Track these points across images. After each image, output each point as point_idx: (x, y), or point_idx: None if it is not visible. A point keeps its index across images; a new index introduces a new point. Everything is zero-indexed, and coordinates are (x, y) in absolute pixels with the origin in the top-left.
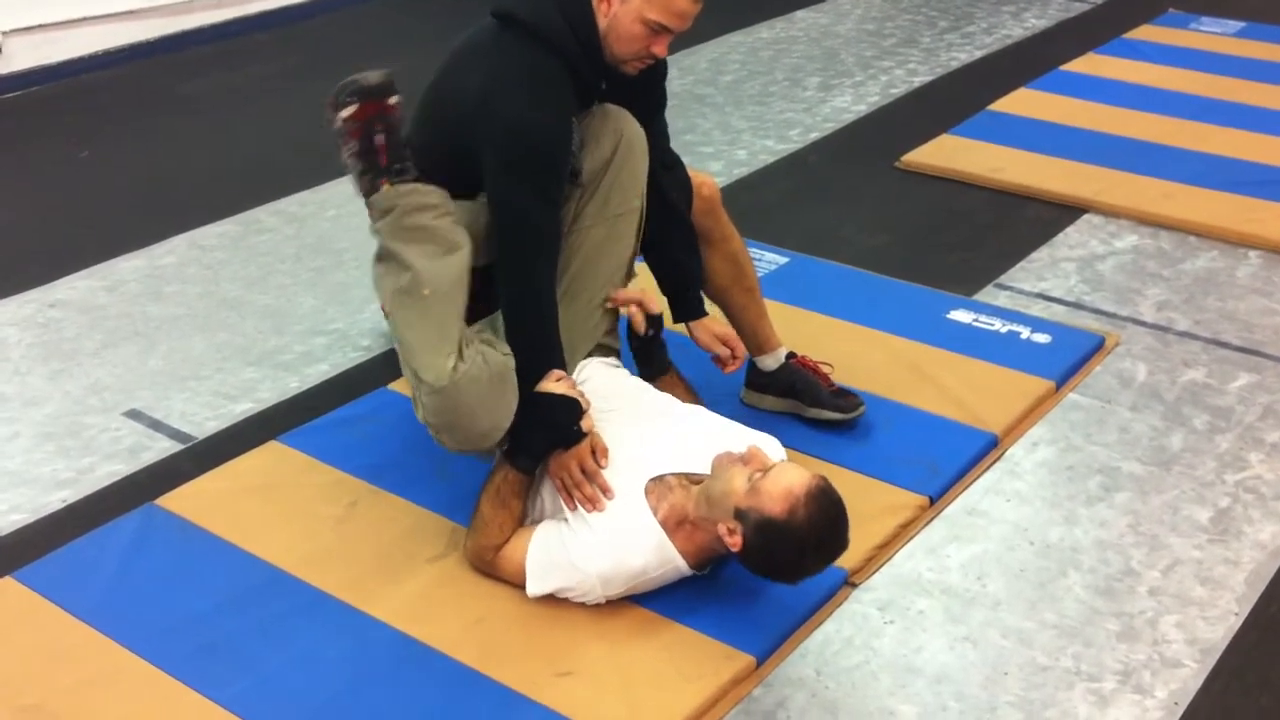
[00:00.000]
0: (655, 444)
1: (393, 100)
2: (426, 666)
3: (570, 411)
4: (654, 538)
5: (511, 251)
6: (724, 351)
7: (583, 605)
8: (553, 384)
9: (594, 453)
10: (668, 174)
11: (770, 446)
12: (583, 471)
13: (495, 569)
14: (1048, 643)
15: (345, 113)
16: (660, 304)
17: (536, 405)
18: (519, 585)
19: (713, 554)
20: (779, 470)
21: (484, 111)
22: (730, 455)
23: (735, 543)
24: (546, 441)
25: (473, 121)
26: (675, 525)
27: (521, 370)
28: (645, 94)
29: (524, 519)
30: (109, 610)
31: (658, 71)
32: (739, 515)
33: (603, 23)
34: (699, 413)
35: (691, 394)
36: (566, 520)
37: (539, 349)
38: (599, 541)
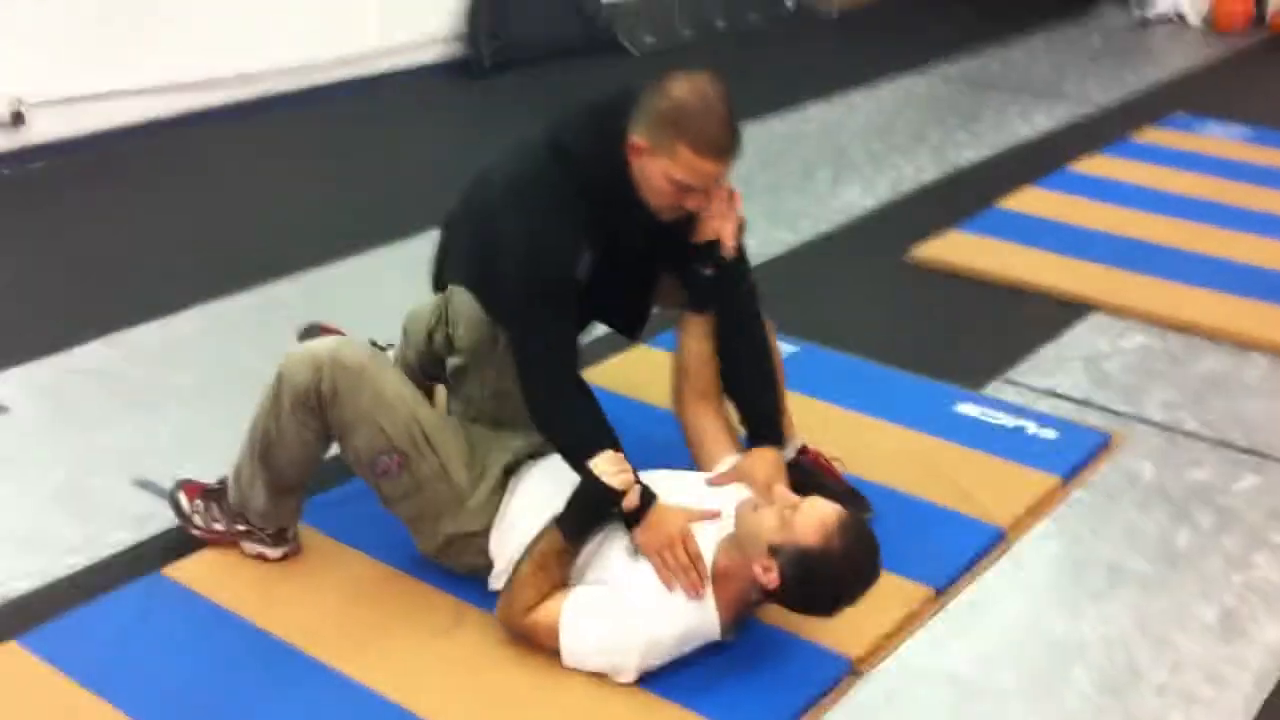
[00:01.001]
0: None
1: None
2: None
3: (607, 502)
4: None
5: (520, 373)
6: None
7: (583, 686)
8: (599, 461)
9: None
10: (747, 331)
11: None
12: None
13: (527, 629)
14: None
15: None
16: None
17: (585, 481)
18: (551, 648)
19: (745, 605)
20: (810, 504)
21: (498, 212)
22: (753, 500)
23: (772, 579)
24: (591, 519)
25: (491, 214)
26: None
27: (566, 453)
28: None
29: (563, 585)
30: (113, 678)
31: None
32: (773, 551)
33: (635, 173)
34: (723, 490)
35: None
36: (604, 582)
37: (575, 442)
38: (643, 606)
